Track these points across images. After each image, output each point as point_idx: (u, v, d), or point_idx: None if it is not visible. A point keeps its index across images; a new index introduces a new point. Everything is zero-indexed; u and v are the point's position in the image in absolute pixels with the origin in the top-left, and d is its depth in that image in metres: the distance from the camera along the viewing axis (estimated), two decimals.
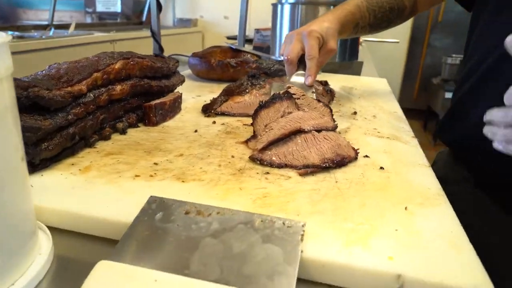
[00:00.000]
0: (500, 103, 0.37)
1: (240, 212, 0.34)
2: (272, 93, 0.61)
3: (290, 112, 0.53)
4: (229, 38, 2.93)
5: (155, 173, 0.43)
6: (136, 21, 4.30)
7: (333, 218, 0.36)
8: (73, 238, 0.35)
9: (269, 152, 0.48)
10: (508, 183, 0.54)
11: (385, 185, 0.43)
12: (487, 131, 0.39)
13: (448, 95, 3.19)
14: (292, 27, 1.21)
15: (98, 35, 2.65)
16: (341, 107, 0.78)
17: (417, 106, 3.96)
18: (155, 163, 0.46)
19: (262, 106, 0.56)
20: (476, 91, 0.58)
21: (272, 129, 0.51)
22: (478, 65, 0.58)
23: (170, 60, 0.70)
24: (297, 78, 0.66)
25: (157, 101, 0.61)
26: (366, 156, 0.52)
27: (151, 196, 0.36)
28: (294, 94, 0.54)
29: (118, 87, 0.54)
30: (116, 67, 0.53)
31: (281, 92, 0.56)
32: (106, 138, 0.53)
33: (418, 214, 0.38)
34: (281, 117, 0.54)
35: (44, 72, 0.49)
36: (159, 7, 1.51)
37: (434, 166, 0.66)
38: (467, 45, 0.66)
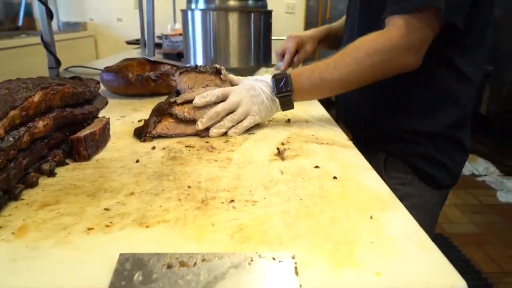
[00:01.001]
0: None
1: (225, 255, 0.32)
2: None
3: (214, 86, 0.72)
4: (128, 43, 2.75)
5: (110, 222, 0.38)
6: (11, 27, 3.76)
7: (314, 241, 0.36)
8: None
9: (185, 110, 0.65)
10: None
11: (344, 195, 0.46)
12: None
13: None
14: (205, 33, 1.19)
15: None
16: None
17: None
18: (106, 209, 0.41)
19: (194, 68, 0.72)
20: None
21: (193, 91, 0.68)
22: None
23: (90, 82, 0.62)
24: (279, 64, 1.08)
25: (86, 131, 0.54)
26: (317, 166, 0.53)
27: (121, 254, 0.32)
28: (220, 70, 0.72)
29: (40, 124, 0.46)
30: (35, 100, 0.45)
31: (211, 67, 0.72)
32: (33, 185, 0.45)
33: (383, 221, 0.40)
34: (204, 86, 0.72)
35: None
36: (50, 13, 1.34)
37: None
38: None
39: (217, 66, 0.73)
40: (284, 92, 0.68)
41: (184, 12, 1.23)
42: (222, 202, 0.43)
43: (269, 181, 0.49)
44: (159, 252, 0.33)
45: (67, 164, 0.52)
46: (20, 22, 3.87)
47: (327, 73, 0.68)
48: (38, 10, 1.32)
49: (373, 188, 0.48)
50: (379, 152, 0.83)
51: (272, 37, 3.84)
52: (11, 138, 0.41)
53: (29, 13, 4.02)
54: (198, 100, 0.65)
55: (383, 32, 0.68)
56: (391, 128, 0.81)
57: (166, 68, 0.93)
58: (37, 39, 2.94)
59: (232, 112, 0.66)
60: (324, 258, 0.34)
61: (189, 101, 0.67)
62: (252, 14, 1.19)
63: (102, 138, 0.57)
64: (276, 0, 4.06)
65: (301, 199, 0.44)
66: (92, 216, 0.39)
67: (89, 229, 0.37)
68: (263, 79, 0.71)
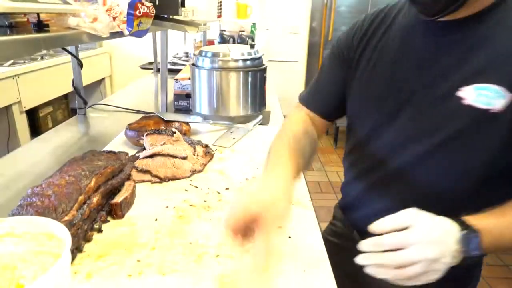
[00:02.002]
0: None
1: None
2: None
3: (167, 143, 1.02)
4: (142, 68, 3.02)
5: (142, 270, 0.62)
6: None
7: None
8: None
9: (149, 164, 0.94)
10: None
11: (293, 252, 0.69)
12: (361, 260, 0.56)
13: None
14: (209, 88, 1.43)
15: None
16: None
17: None
18: (138, 260, 0.65)
19: (156, 131, 1.04)
20: None
21: (152, 148, 0.99)
22: None
23: (122, 155, 0.87)
24: None
25: (121, 197, 0.78)
26: (290, 237, 0.77)
27: None
28: (175, 133, 1.02)
29: (94, 200, 0.70)
30: (92, 185, 0.70)
31: (168, 130, 1.04)
32: (90, 240, 0.69)
33: (312, 275, 0.63)
34: (162, 144, 1.00)
35: (35, 199, 0.63)
36: (80, 64, 1.59)
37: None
38: None
39: (173, 129, 1.04)
40: (472, 256, 0.55)
41: (193, 68, 1.47)
42: (211, 257, 0.67)
43: None
44: None
45: (108, 221, 0.76)
46: None
47: None
48: None
49: (312, 248, 0.71)
50: None
51: (277, 59, 4.12)
52: (79, 215, 0.65)
53: None
54: (374, 227, 0.56)
55: None
56: None
57: (175, 124, 1.17)
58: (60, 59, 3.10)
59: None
60: None
61: (148, 157, 0.97)
62: (250, 72, 1.43)
63: (131, 199, 0.82)
64: (281, 21, 4.32)
65: None
66: (130, 266, 0.63)
67: (129, 275, 0.61)
68: (452, 233, 0.53)
